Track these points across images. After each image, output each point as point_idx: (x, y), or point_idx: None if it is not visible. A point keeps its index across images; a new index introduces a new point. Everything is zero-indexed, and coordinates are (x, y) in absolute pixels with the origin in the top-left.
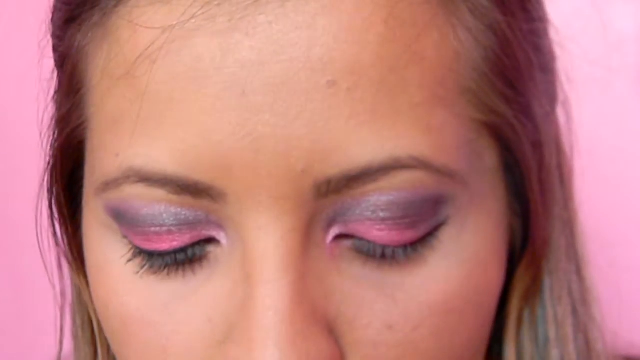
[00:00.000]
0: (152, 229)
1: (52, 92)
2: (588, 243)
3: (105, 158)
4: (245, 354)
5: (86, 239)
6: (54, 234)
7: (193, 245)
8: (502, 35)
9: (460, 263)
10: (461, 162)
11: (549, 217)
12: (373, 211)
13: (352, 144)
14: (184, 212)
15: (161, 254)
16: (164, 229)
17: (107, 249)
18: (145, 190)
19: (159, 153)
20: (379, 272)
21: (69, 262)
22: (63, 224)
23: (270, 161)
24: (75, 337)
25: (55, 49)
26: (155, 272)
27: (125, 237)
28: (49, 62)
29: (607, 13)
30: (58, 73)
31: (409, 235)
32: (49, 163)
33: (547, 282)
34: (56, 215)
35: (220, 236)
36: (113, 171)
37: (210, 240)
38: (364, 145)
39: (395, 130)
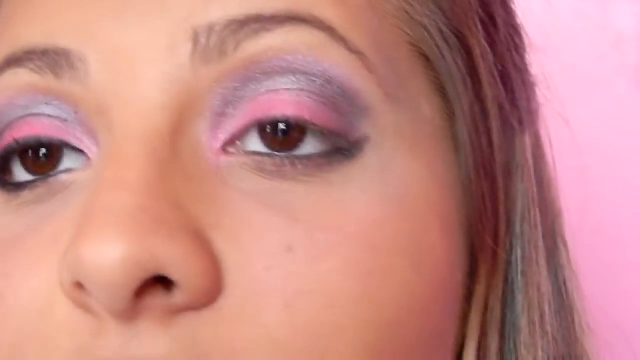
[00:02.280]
0: (23, 118)
1: None
2: (588, 242)
3: None
4: (75, 245)
5: None
6: None
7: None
8: None
9: (386, 196)
10: (380, 61)
11: (502, 224)
12: (266, 83)
13: None
14: (53, 102)
15: (19, 186)
16: (34, 117)
17: None
18: (11, 78)
19: (25, 29)
20: (276, 189)
21: None
22: None
23: (141, 11)
24: None
25: None
26: (11, 202)
27: None
28: None
29: (607, 13)
30: None
31: (321, 113)
32: None
33: (508, 307)
34: None
35: (92, 151)
36: None
37: (79, 162)
38: None
39: None
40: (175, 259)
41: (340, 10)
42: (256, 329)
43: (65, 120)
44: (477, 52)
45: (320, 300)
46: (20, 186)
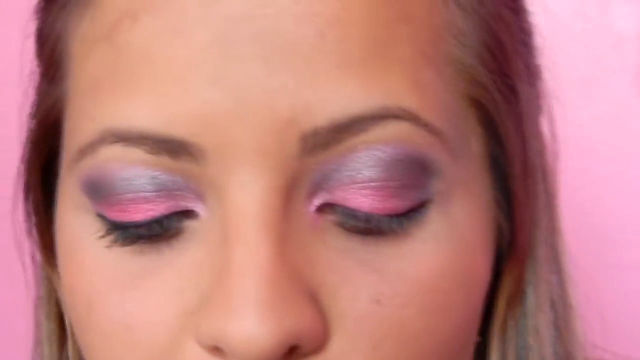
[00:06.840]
0: (128, 195)
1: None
2: (588, 243)
3: (82, 124)
4: (221, 321)
5: (59, 223)
6: (30, 231)
7: (170, 216)
8: (490, 20)
9: (449, 242)
10: (448, 129)
11: (532, 220)
12: (358, 170)
13: (340, 94)
14: (161, 176)
15: (136, 226)
16: (140, 195)
17: (79, 229)
18: (121, 152)
19: (137, 110)
20: (364, 246)
21: (41, 253)
22: (37, 216)
23: (253, 112)
24: (38, 334)
25: (37, 34)
26: (127, 245)
27: (99, 215)
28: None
29: (607, 13)
30: (38, 58)
31: (394, 203)
32: (23, 155)
33: (529, 291)
34: (32, 210)
35: (199, 208)
36: (89, 135)
37: (188, 214)
38: (352, 95)
39: (385, 81)
40: (305, 332)
41: (419, 94)
42: None
43: (171, 190)
44: (523, 95)
45: (399, 340)
46: (136, 224)
